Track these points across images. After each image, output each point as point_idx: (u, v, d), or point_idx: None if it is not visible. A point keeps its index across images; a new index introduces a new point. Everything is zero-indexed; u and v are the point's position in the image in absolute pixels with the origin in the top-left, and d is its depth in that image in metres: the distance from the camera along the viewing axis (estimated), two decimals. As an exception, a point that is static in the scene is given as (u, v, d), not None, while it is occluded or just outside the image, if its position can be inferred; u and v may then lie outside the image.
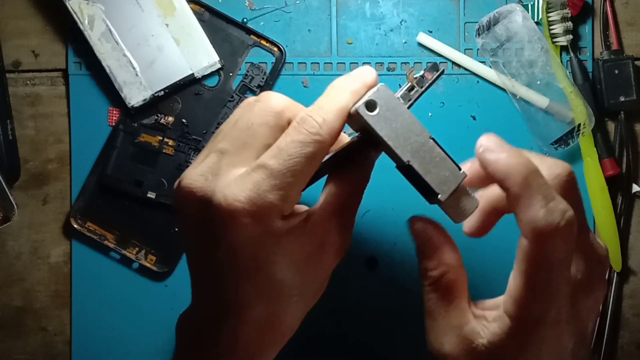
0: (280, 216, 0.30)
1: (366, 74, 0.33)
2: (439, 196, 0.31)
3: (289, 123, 0.32)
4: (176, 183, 0.32)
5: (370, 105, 0.31)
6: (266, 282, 0.30)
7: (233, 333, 0.31)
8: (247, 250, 0.29)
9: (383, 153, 0.33)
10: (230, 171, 0.30)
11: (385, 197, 0.51)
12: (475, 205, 0.33)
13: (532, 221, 0.28)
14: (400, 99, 0.33)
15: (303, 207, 0.33)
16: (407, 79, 0.34)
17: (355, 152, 0.34)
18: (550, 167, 0.30)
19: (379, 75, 0.51)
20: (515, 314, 0.30)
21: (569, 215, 0.28)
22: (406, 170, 0.32)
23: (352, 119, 0.32)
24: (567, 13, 0.50)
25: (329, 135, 0.30)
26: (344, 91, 0.32)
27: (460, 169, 0.32)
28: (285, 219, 0.30)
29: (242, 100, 0.51)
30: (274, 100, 0.32)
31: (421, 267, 0.33)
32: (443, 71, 0.34)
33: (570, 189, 0.31)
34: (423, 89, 0.34)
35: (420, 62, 0.52)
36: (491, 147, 0.30)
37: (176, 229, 0.51)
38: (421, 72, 0.34)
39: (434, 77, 0.34)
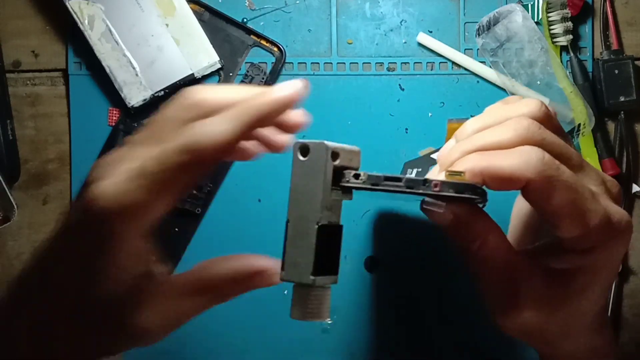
0: (142, 227, 0.29)
1: (292, 89, 0.29)
2: (280, 274, 0.28)
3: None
4: None
5: (304, 149, 0.28)
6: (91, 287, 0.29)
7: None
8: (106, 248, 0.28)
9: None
10: (125, 164, 0.28)
11: (385, 197, 0.51)
12: (324, 317, 0.29)
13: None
14: (329, 170, 0.28)
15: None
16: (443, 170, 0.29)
17: None
18: (526, 107, 0.31)
19: (379, 75, 0.52)
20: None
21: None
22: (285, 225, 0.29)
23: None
24: (567, 13, 0.50)
25: (213, 148, 0.28)
26: (263, 104, 0.29)
27: (312, 276, 0.28)
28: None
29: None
30: (190, 94, 0.30)
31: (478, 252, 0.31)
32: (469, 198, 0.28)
33: (547, 121, 0.31)
34: (373, 187, 0.29)
35: (420, 62, 0.52)
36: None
37: (176, 229, 0.51)
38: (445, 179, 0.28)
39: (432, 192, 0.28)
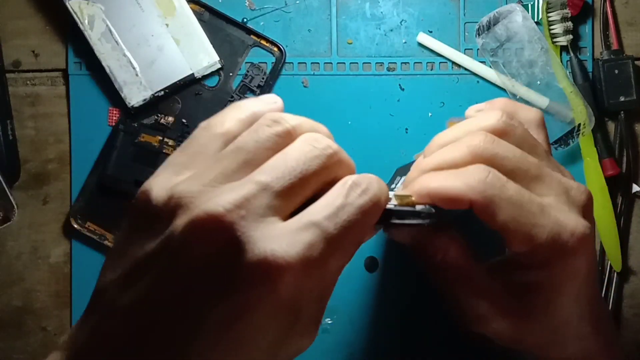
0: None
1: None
2: None
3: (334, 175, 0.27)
4: (180, 192, 0.25)
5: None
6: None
7: None
8: (261, 319, 0.24)
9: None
10: (272, 216, 0.25)
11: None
12: None
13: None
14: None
15: None
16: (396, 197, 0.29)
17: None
18: (524, 113, 0.33)
19: (379, 75, 0.52)
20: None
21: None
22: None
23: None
24: (567, 13, 0.50)
25: (381, 208, 0.27)
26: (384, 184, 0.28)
27: None
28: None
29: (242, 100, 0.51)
30: (330, 151, 0.27)
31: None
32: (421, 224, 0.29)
33: (507, 133, 0.31)
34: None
35: (420, 62, 0.52)
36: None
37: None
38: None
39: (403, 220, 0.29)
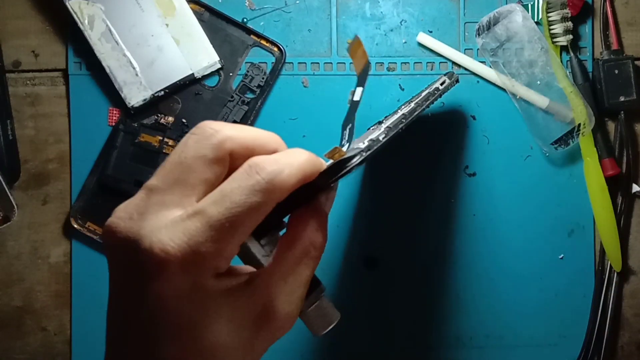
0: (215, 273, 0.27)
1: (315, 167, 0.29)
2: None
3: (231, 157, 0.28)
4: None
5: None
6: (194, 344, 0.27)
7: None
8: (175, 306, 0.26)
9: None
10: (160, 212, 0.27)
11: (385, 197, 0.51)
12: (337, 316, 0.31)
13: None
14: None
15: (248, 268, 0.30)
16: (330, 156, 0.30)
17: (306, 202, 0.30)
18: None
19: (379, 75, 0.52)
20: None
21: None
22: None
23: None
24: (567, 13, 0.50)
25: (281, 187, 0.27)
26: (304, 158, 0.29)
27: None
28: (220, 277, 0.27)
29: (242, 100, 0.51)
30: (210, 131, 0.28)
31: None
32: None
33: None
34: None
35: (420, 62, 0.52)
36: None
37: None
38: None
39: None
